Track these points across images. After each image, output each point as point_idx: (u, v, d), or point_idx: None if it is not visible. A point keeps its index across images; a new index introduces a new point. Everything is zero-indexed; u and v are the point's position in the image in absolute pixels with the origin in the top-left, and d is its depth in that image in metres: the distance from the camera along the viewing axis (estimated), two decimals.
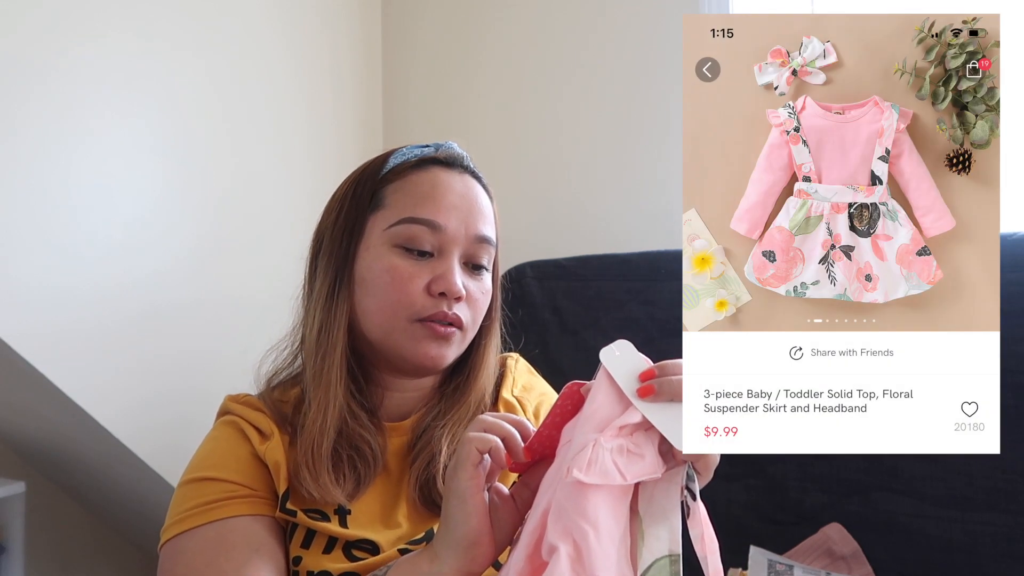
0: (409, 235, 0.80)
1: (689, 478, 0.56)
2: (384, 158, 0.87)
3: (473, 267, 0.83)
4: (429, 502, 0.78)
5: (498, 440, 0.63)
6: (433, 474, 0.78)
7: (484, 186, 0.88)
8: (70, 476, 1.69)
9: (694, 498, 0.55)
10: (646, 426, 0.57)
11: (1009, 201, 1.31)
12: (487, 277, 0.85)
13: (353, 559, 0.74)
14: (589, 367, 0.63)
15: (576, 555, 0.50)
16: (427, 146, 0.87)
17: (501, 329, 0.92)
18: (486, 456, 0.64)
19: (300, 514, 0.75)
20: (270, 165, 1.65)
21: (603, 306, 1.39)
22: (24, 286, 1.24)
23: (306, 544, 0.76)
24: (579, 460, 0.53)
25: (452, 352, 0.82)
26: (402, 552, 0.74)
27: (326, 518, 0.76)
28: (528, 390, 0.92)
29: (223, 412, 0.86)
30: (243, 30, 1.61)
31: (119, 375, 1.37)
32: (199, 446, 0.83)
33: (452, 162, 0.86)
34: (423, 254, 0.80)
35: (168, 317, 1.45)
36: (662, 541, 0.53)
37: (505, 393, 0.89)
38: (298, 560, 0.75)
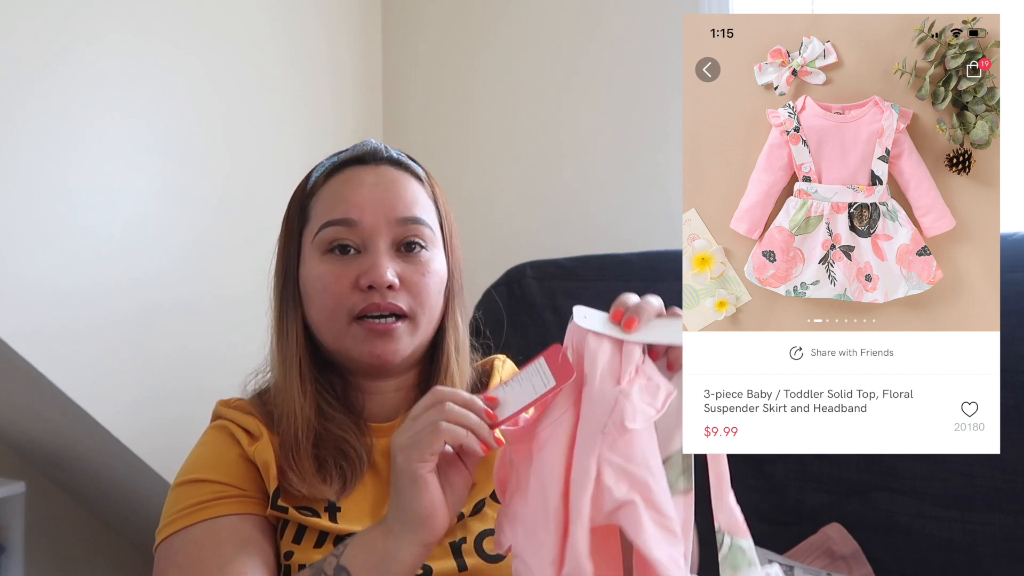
0: (330, 238, 0.81)
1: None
2: (308, 175, 0.88)
3: (406, 248, 0.82)
4: None
5: (467, 435, 0.62)
6: None
7: (409, 169, 0.87)
8: (70, 476, 1.69)
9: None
10: (644, 358, 0.62)
11: (1009, 201, 1.31)
12: (427, 256, 0.83)
13: None
14: None
15: (647, 501, 0.55)
16: (343, 151, 0.88)
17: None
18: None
19: (291, 510, 0.76)
20: (269, 165, 1.65)
21: (603, 306, 1.38)
22: (24, 285, 1.24)
23: (297, 539, 0.77)
24: (623, 414, 0.57)
25: (402, 345, 0.81)
26: None
27: (316, 514, 0.77)
28: None
29: (215, 417, 0.87)
30: (243, 30, 1.61)
31: (118, 374, 1.37)
32: (192, 450, 0.84)
33: (365, 158, 0.86)
34: (347, 252, 0.80)
35: (167, 316, 1.45)
36: (677, 440, 0.60)
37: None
38: (290, 555, 0.76)
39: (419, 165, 0.88)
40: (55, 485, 1.75)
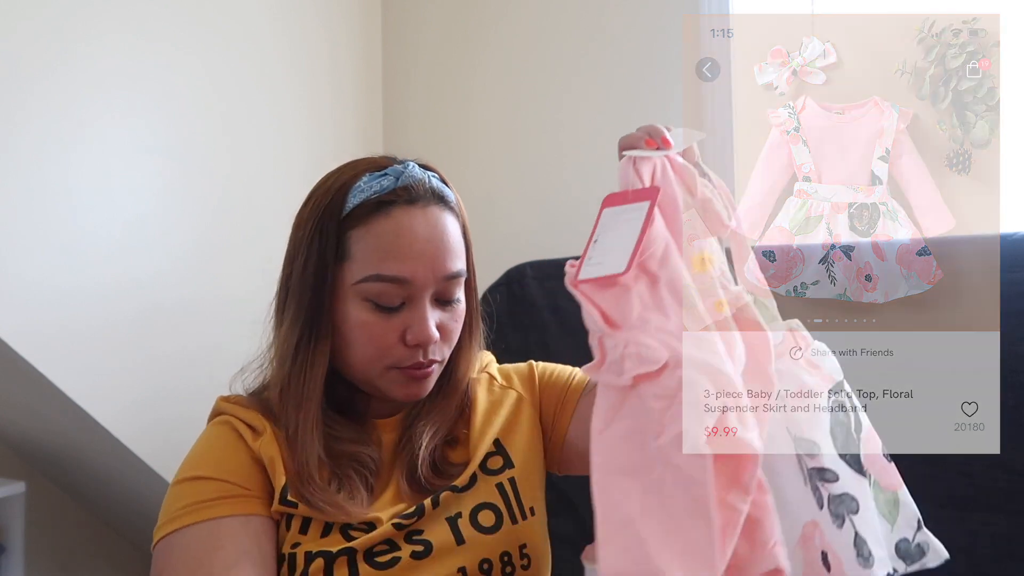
0: (377, 292, 0.79)
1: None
2: (343, 194, 0.82)
3: (445, 302, 0.83)
4: (416, 486, 0.81)
5: None
6: (415, 463, 0.81)
7: (448, 203, 0.84)
8: (70, 476, 1.69)
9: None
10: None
11: (1009, 201, 1.31)
12: (460, 300, 0.85)
13: (350, 538, 0.76)
14: None
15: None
16: (385, 174, 0.82)
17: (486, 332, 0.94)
18: None
19: (301, 505, 0.76)
20: (269, 165, 1.64)
21: None
22: (24, 285, 1.24)
23: (303, 530, 0.77)
24: (719, 217, 0.61)
25: (431, 383, 0.83)
26: (396, 527, 0.76)
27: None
28: (508, 377, 0.94)
29: (216, 413, 0.86)
30: (243, 30, 1.61)
31: (118, 374, 1.37)
32: (192, 446, 0.84)
33: (414, 197, 0.81)
34: (393, 308, 0.80)
35: (167, 316, 1.45)
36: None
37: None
38: (296, 544, 0.76)
39: (450, 188, 0.85)
40: (55, 485, 1.75)
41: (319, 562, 0.74)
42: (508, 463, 0.86)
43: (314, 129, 1.76)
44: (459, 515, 0.80)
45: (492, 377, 0.94)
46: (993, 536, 1.07)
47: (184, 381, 1.48)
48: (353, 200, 0.81)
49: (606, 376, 0.60)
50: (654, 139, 0.65)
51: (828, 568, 0.58)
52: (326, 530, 0.76)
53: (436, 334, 0.80)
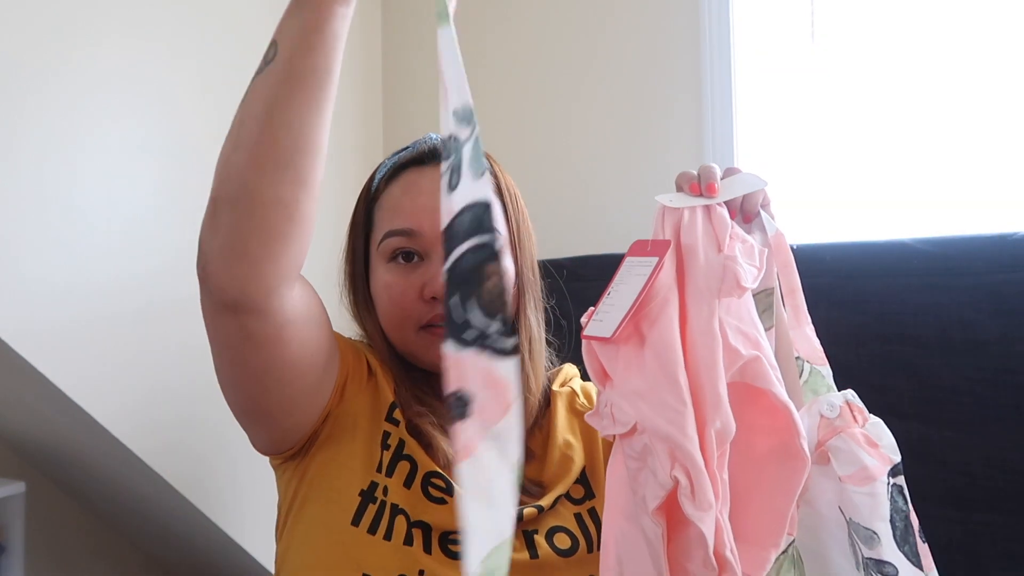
0: (392, 248, 0.82)
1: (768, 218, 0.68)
2: (372, 176, 0.89)
3: None
4: None
5: None
6: None
7: None
8: (70, 476, 1.69)
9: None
10: (732, 223, 0.64)
11: (1009, 201, 1.31)
12: None
13: (431, 498, 0.75)
14: None
15: (765, 358, 0.58)
16: (405, 148, 0.88)
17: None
18: None
19: (403, 424, 0.77)
20: None
21: None
22: (22, 283, 1.24)
23: (389, 471, 0.76)
24: (737, 277, 0.59)
25: None
26: None
27: (421, 444, 0.78)
28: (589, 396, 0.93)
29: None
30: (243, 31, 1.61)
31: (118, 373, 1.37)
32: None
33: (424, 158, 0.86)
34: (410, 259, 0.81)
35: (167, 315, 1.45)
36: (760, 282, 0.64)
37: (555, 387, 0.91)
38: (376, 486, 0.76)
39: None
40: (55, 485, 1.75)
41: (402, 521, 0.73)
42: (590, 494, 0.84)
43: None
44: (535, 532, 0.79)
45: (574, 393, 0.92)
46: (993, 536, 1.07)
47: (184, 380, 1.48)
48: (377, 176, 0.88)
49: (599, 425, 0.63)
50: (698, 185, 0.64)
51: None
52: (409, 479, 0.76)
53: None
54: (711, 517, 0.53)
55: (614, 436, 0.61)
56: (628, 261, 0.65)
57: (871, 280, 1.17)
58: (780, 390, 0.56)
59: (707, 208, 0.63)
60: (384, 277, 0.82)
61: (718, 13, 1.55)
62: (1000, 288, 1.08)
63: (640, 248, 0.65)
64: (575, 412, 0.89)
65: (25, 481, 1.55)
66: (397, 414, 0.76)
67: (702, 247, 0.61)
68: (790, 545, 0.57)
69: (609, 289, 0.65)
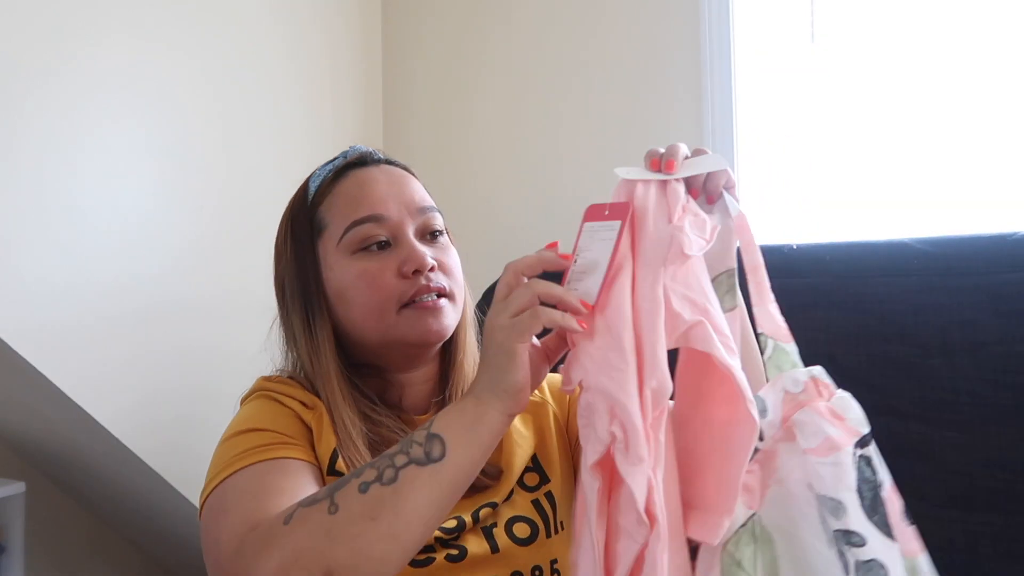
0: (361, 237, 0.83)
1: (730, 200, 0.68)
2: (304, 188, 0.89)
3: (431, 236, 0.86)
4: None
5: (564, 318, 0.62)
6: None
7: (402, 166, 0.91)
8: (70, 476, 1.69)
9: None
10: (687, 197, 0.65)
11: (1009, 201, 1.31)
12: (446, 241, 0.88)
13: None
14: None
15: (711, 324, 0.59)
16: (334, 159, 0.89)
17: None
18: None
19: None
20: (269, 165, 1.64)
21: None
22: (22, 284, 1.24)
23: None
24: (681, 245, 0.60)
25: (450, 321, 0.84)
26: (436, 539, 0.77)
27: None
28: (540, 387, 0.94)
29: (256, 390, 0.86)
30: (242, 31, 1.61)
31: (118, 373, 1.37)
32: (235, 416, 0.83)
33: (364, 160, 0.88)
34: (382, 246, 0.82)
35: (167, 315, 1.45)
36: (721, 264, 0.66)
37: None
38: None
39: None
40: (55, 485, 1.75)
41: None
42: (544, 478, 0.87)
43: (314, 129, 1.76)
44: (494, 525, 0.81)
45: None
46: (993, 536, 1.07)
47: (184, 380, 1.48)
48: (313, 185, 0.88)
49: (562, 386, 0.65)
50: (658, 161, 0.65)
51: None
52: None
53: (431, 260, 0.82)
54: (642, 473, 0.55)
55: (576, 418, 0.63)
56: (587, 227, 0.66)
57: (871, 280, 1.17)
58: (723, 354, 0.57)
59: (663, 182, 0.65)
60: (356, 267, 0.82)
61: (718, 13, 1.55)
62: (1000, 288, 1.08)
63: (597, 212, 0.66)
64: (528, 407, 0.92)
65: (25, 481, 1.55)
66: (339, 465, 0.77)
67: (652, 217, 0.63)
68: (749, 519, 0.57)
69: (575, 256, 0.66)
